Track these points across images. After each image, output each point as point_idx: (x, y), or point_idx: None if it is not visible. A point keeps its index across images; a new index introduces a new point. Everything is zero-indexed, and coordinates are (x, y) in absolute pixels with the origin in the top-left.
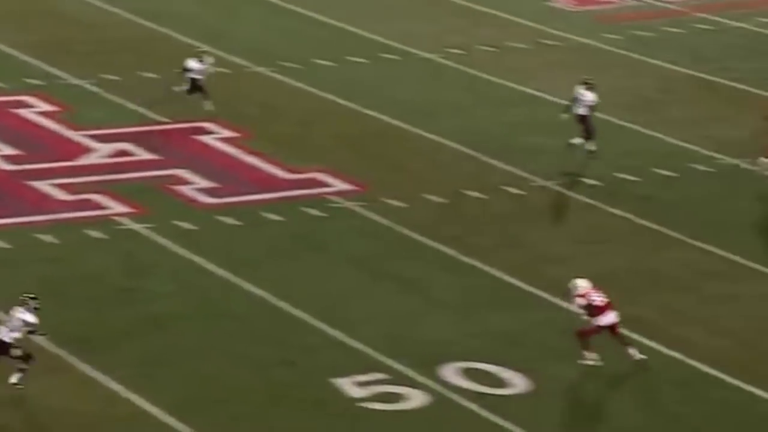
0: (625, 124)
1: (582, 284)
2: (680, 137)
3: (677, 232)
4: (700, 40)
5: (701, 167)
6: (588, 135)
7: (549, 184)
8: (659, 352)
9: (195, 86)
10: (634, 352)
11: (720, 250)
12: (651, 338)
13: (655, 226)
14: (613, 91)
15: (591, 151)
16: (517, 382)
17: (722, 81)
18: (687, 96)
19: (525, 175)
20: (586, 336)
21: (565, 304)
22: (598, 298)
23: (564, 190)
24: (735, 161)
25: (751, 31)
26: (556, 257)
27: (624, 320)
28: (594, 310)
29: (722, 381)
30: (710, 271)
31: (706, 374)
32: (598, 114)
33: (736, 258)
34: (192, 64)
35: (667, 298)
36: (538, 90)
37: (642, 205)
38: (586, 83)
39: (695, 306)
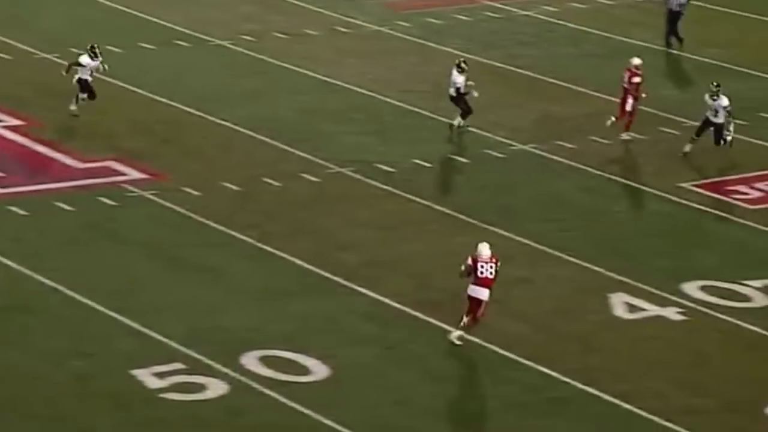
0: (419, 110)
1: (482, 250)
2: (473, 123)
3: (471, 218)
4: (490, 28)
5: (494, 153)
6: (464, 113)
7: (345, 170)
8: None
9: (85, 85)
10: (458, 335)
11: (513, 234)
12: (446, 322)
13: (450, 212)
14: (406, 78)
15: (462, 127)
16: (318, 369)
17: (511, 68)
18: (478, 82)
19: (320, 161)
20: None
21: (363, 290)
22: (485, 271)
23: (360, 177)
24: (526, 147)
25: (537, 19)
26: (353, 244)
27: (420, 305)
28: (474, 278)
29: (517, 363)
30: (504, 255)
31: (502, 356)
32: (393, 101)
33: (529, 242)
34: (85, 59)
35: (462, 282)
36: (330, 77)
37: (437, 191)
38: (458, 66)
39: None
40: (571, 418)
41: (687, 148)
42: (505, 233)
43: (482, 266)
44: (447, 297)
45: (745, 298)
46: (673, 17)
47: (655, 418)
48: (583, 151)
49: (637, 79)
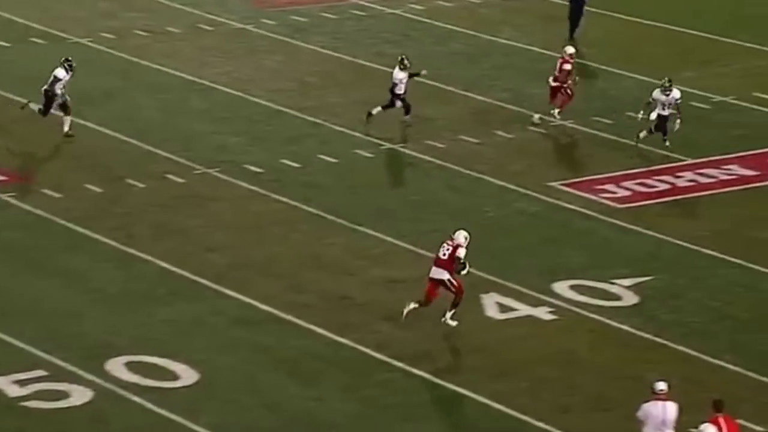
0: (286, 109)
1: (456, 234)
2: (340, 123)
3: (341, 218)
4: (356, 26)
5: (363, 153)
6: (406, 110)
7: (211, 171)
8: (326, 338)
9: (50, 98)
10: (408, 309)
11: (383, 235)
12: (316, 324)
13: (319, 213)
14: (272, 76)
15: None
16: (186, 374)
17: (378, 67)
18: (344, 81)
19: (186, 162)
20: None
21: (231, 293)
22: (440, 251)
23: (227, 177)
24: (395, 146)
25: (404, 18)
26: (220, 245)
27: (290, 307)
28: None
29: (389, 365)
30: (373, 255)
31: (373, 358)
32: (259, 101)
33: (400, 242)
34: (61, 73)
35: (330, 284)
36: (195, 76)
37: (305, 192)
38: (401, 63)
39: (359, 291)
40: (444, 419)
41: (642, 134)
42: (376, 234)
43: (442, 246)
44: (317, 299)
45: (615, 297)
46: (577, 7)
47: (528, 418)
48: (453, 150)
49: (567, 66)
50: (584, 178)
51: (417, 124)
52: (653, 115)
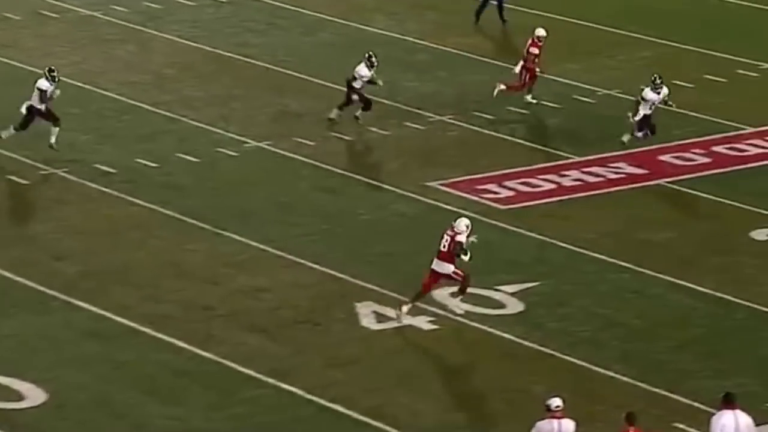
0: (140, 104)
1: (458, 222)
2: (200, 118)
3: (202, 222)
4: (216, 14)
5: (226, 151)
6: (365, 106)
7: (58, 171)
8: (188, 351)
9: (43, 113)
10: (399, 313)
11: (249, 239)
12: (178, 337)
13: (178, 216)
14: (124, 68)
15: (356, 117)
16: (33, 394)
17: (241, 58)
18: (204, 73)
19: (29, 162)
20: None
21: (83, 304)
22: (442, 242)
23: (75, 178)
24: (261, 144)
25: (268, 5)
26: (69, 253)
27: (148, 319)
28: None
29: (257, 380)
30: (237, 262)
31: (240, 373)
32: (110, 94)
33: (267, 248)
34: (44, 84)
35: (192, 293)
36: (37, 67)
37: (163, 194)
38: (368, 60)
39: (223, 301)
40: None
41: (624, 138)
42: (241, 238)
43: (442, 238)
44: (178, 310)
45: (499, 305)
46: None
47: None
48: (324, 148)
49: (534, 50)
50: (464, 178)
51: (284, 120)
52: (639, 116)
